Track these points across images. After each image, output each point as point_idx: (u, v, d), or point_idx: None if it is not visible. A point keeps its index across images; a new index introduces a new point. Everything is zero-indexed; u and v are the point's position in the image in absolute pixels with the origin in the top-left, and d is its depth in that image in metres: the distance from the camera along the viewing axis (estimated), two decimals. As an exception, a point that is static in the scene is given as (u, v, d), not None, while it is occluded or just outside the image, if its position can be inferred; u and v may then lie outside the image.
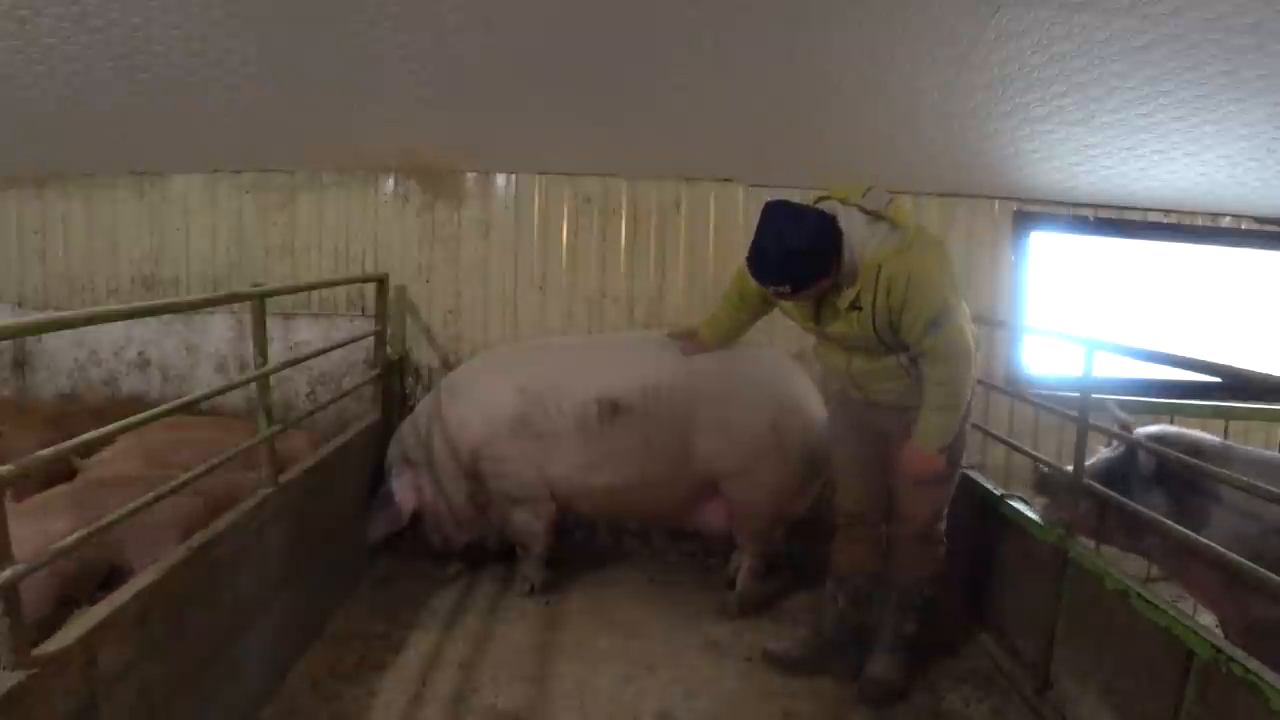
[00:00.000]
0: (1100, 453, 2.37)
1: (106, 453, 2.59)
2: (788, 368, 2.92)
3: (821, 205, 2.14)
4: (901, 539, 2.42)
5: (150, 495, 1.68)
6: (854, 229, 2.08)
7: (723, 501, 2.88)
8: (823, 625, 2.58)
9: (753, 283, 2.25)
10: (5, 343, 3.54)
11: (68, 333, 3.40)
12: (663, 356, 2.83)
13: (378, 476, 3.08)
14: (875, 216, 2.10)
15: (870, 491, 2.47)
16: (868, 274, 2.07)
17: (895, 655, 2.43)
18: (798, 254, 2.03)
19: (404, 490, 2.99)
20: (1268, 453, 2.55)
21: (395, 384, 3.46)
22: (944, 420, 2.17)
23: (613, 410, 2.78)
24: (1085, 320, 3.64)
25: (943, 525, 2.42)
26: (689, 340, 2.83)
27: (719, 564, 3.22)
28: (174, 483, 1.78)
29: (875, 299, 2.07)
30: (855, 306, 2.11)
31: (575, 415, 2.81)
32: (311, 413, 2.82)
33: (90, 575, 2.01)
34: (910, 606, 2.43)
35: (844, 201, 2.12)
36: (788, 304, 2.29)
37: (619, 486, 2.83)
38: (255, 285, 2.32)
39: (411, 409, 3.56)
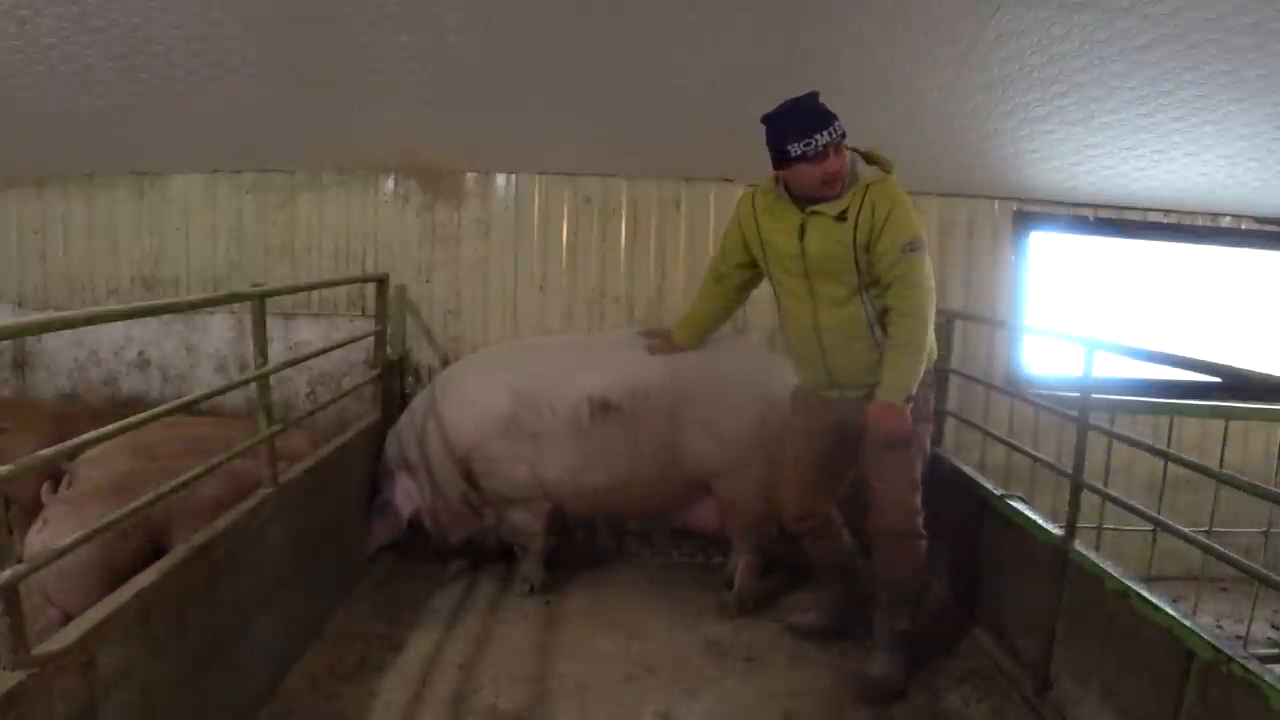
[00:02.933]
0: None
1: (95, 451, 2.58)
2: (775, 365, 2.92)
3: None
4: (879, 538, 2.44)
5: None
6: (850, 158, 2.26)
7: (714, 500, 2.89)
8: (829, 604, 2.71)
9: (730, 260, 2.53)
10: (5, 343, 3.54)
11: (68, 333, 3.40)
12: (651, 355, 2.84)
13: (378, 476, 3.08)
14: (867, 159, 2.30)
15: (819, 498, 2.56)
16: (857, 191, 2.23)
17: (893, 654, 2.43)
18: (818, 109, 2.19)
19: (401, 497, 2.99)
20: None
21: (395, 384, 3.46)
22: (909, 362, 2.22)
23: (604, 409, 2.79)
24: (1085, 320, 3.64)
25: (919, 519, 2.42)
26: (663, 341, 2.84)
27: (719, 564, 3.22)
28: (195, 471, 1.79)
29: (860, 213, 2.22)
30: (842, 218, 2.24)
31: (567, 415, 2.82)
32: (311, 413, 2.82)
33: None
34: (900, 603, 2.44)
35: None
36: (776, 235, 2.35)
37: (610, 485, 2.85)
38: (255, 285, 2.32)
39: (412, 409, 3.58)
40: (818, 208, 2.26)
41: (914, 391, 2.25)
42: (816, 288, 2.33)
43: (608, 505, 3.01)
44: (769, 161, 2.32)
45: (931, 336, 2.31)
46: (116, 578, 1.94)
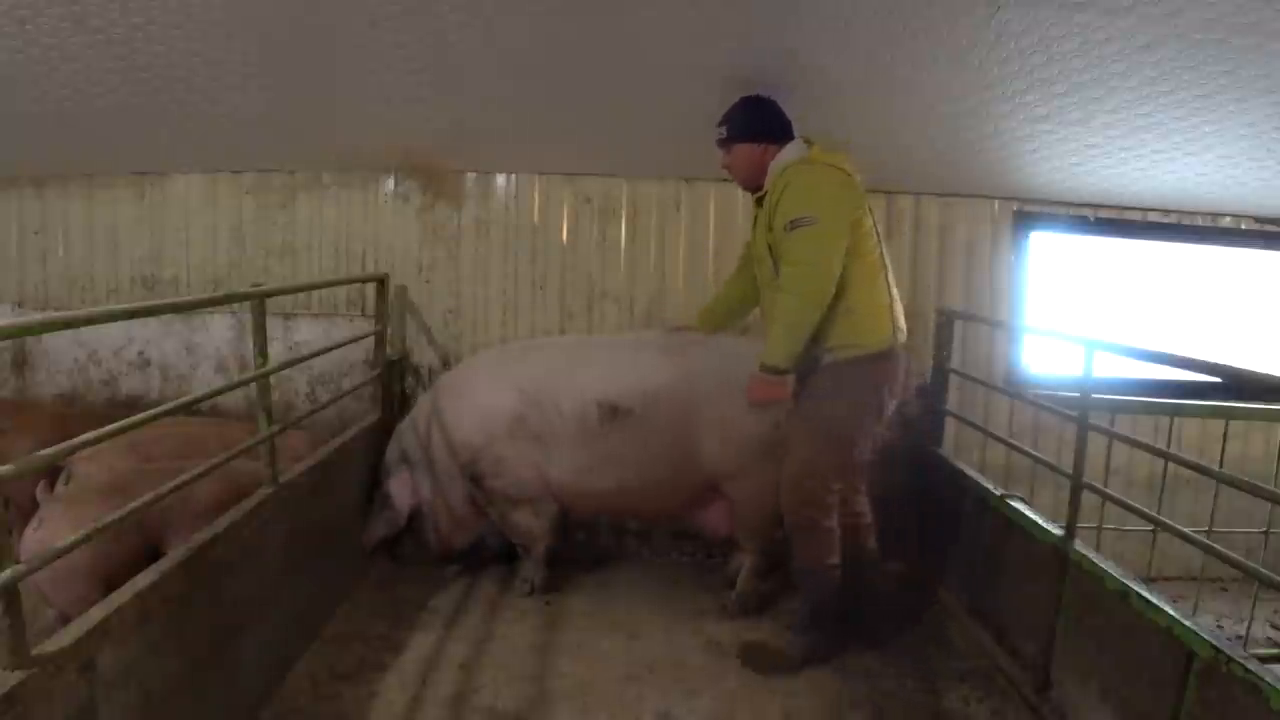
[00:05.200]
0: None
1: (91, 450, 2.58)
2: None
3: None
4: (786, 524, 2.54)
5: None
6: (790, 148, 2.45)
7: (724, 502, 2.88)
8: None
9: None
10: (5, 343, 3.54)
11: (68, 333, 3.40)
12: (661, 358, 2.83)
13: (378, 476, 3.07)
14: (809, 144, 2.46)
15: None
16: (773, 178, 2.42)
17: (795, 634, 2.55)
18: (744, 103, 2.49)
19: (401, 491, 2.96)
20: None
21: (395, 384, 3.46)
22: (782, 336, 2.31)
23: (613, 413, 2.78)
24: (1085, 320, 3.64)
25: (812, 510, 2.41)
26: (687, 330, 2.92)
27: (719, 564, 3.22)
28: (197, 470, 1.79)
29: (770, 197, 2.40)
30: (759, 204, 2.49)
31: (575, 417, 2.81)
32: (311, 413, 2.82)
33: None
34: (802, 587, 2.55)
35: (800, 138, 2.50)
36: (757, 236, 2.53)
37: (619, 489, 2.84)
38: (255, 285, 2.32)
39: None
40: (755, 196, 2.53)
41: (782, 366, 2.32)
42: (759, 272, 2.54)
43: (615, 507, 3.01)
44: (793, 145, 2.46)
45: (811, 313, 2.28)
46: (111, 578, 1.95)
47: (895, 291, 2.49)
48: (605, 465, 2.81)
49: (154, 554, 2.11)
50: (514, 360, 3.03)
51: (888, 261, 2.47)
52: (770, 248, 2.41)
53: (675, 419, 2.77)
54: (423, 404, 3.09)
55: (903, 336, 2.47)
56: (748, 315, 2.93)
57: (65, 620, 1.81)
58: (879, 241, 2.45)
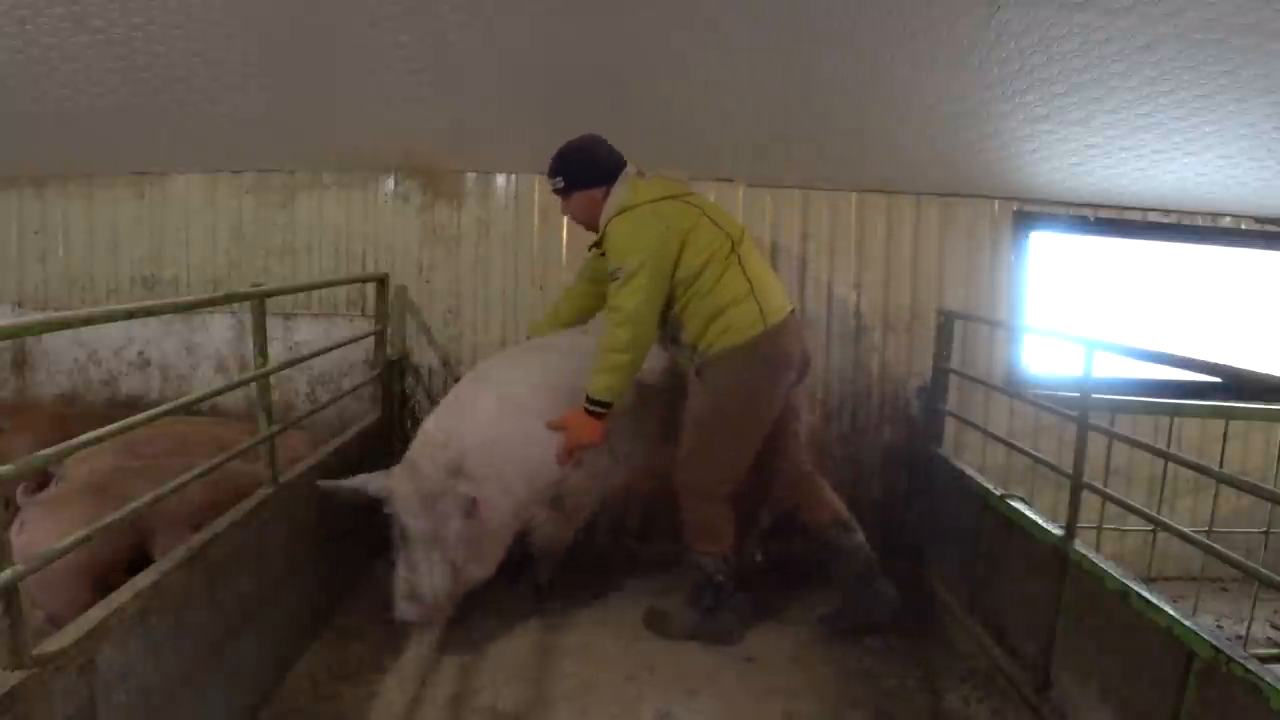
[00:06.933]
0: None
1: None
2: None
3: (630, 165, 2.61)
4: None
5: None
6: (618, 188, 2.53)
7: None
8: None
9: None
10: (5, 343, 3.54)
11: (68, 333, 3.40)
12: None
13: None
14: (635, 181, 2.54)
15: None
16: (604, 225, 2.52)
17: (686, 605, 2.70)
18: (574, 151, 2.56)
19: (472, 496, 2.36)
20: None
21: (395, 384, 3.46)
22: (604, 372, 2.44)
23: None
24: (1085, 320, 3.64)
25: (705, 503, 2.59)
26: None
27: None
28: (196, 471, 1.79)
29: (604, 246, 2.52)
30: (598, 247, 2.60)
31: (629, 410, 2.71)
32: (311, 413, 2.82)
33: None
34: (691, 566, 2.70)
35: (626, 172, 2.58)
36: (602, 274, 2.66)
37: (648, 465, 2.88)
38: (255, 285, 2.32)
39: (412, 409, 3.57)
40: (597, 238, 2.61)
41: (604, 399, 2.44)
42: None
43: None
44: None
45: (625, 357, 2.44)
46: (99, 577, 1.95)
47: (756, 270, 2.55)
48: (641, 443, 2.83)
49: (143, 553, 2.11)
50: (559, 366, 2.72)
51: (741, 248, 2.55)
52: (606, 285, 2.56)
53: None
54: (470, 415, 2.56)
55: (778, 314, 2.52)
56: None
57: (53, 621, 1.82)
58: (725, 235, 2.53)
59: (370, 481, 2.38)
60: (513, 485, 2.50)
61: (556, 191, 2.63)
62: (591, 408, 2.46)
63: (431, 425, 2.56)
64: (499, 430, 2.51)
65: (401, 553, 2.37)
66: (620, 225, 2.46)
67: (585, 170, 2.56)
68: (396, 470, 2.42)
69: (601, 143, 2.59)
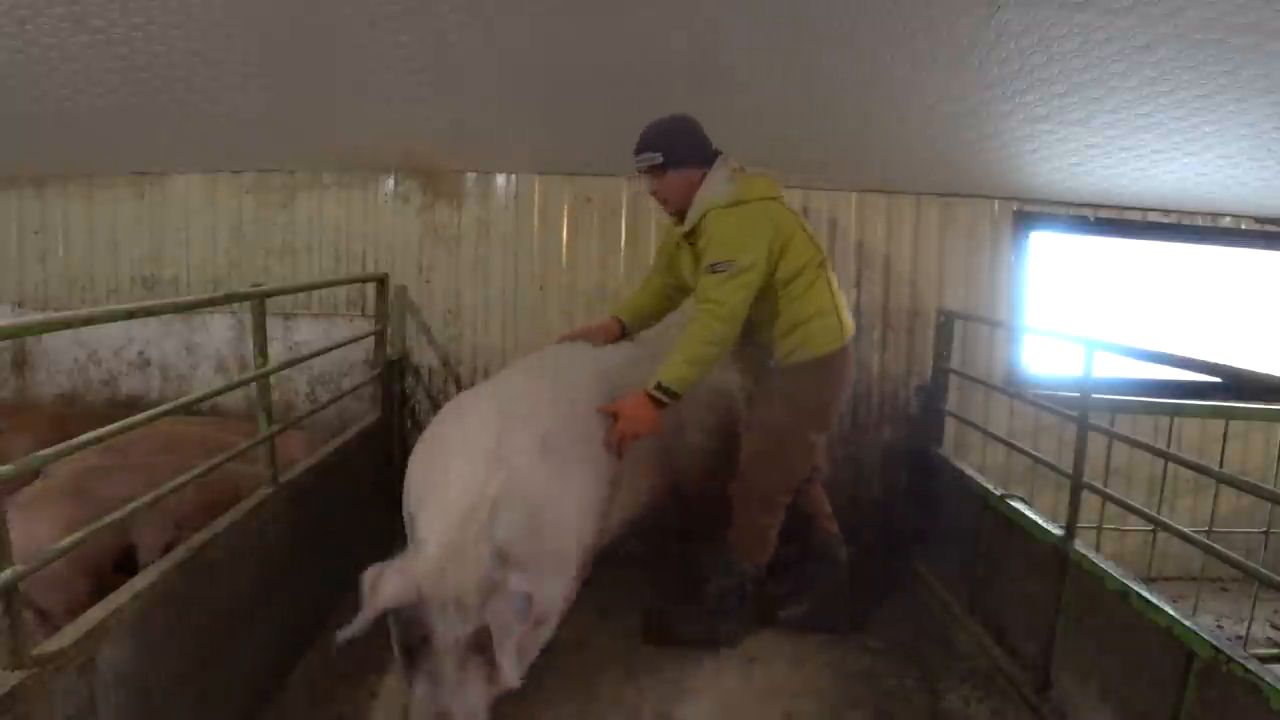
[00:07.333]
0: None
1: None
2: None
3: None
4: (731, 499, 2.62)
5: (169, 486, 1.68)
6: (716, 175, 2.41)
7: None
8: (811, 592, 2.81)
9: (658, 256, 2.76)
10: (5, 343, 3.54)
11: (68, 333, 3.40)
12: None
13: (378, 476, 3.06)
14: (737, 174, 2.42)
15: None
16: (700, 214, 2.39)
17: (706, 614, 2.64)
18: (677, 126, 2.40)
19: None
20: None
21: (395, 384, 3.46)
22: (682, 364, 2.28)
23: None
24: (1085, 320, 3.64)
25: (765, 517, 2.55)
26: (597, 332, 2.74)
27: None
28: (189, 475, 1.79)
29: (700, 241, 2.40)
30: (692, 242, 2.46)
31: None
32: (311, 413, 2.81)
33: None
34: (721, 573, 2.63)
35: (725, 159, 2.45)
36: (685, 262, 2.56)
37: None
38: (255, 285, 2.32)
39: (411, 409, 3.57)
40: (682, 228, 2.48)
41: (676, 390, 2.27)
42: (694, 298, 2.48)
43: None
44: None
45: (712, 351, 2.31)
46: (85, 576, 1.94)
47: (836, 286, 2.55)
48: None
49: (128, 550, 2.10)
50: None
51: (826, 263, 2.54)
52: (697, 272, 2.45)
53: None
54: (503, 478, 1.91)
55: (850, 331, 2.55)
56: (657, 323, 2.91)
57: (41, 617, 1.82)
58: (816, 246, 2.52)
59: (385, 588, 1.75)
60: (567, 565, 1.98)
61: (650, 169, 2.41)
62: (659, 395, 2.26)
63: (457, 484, 1.87)
64: (549, 491, 1.94)
65: (419, 666, 1.78)
66: (728, 218, 2.34)
67: (687, 149, 2.40)
68: (421, 561, 1.76)
69: (698, 124, 2.45)
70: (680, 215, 2.48)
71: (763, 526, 2.57)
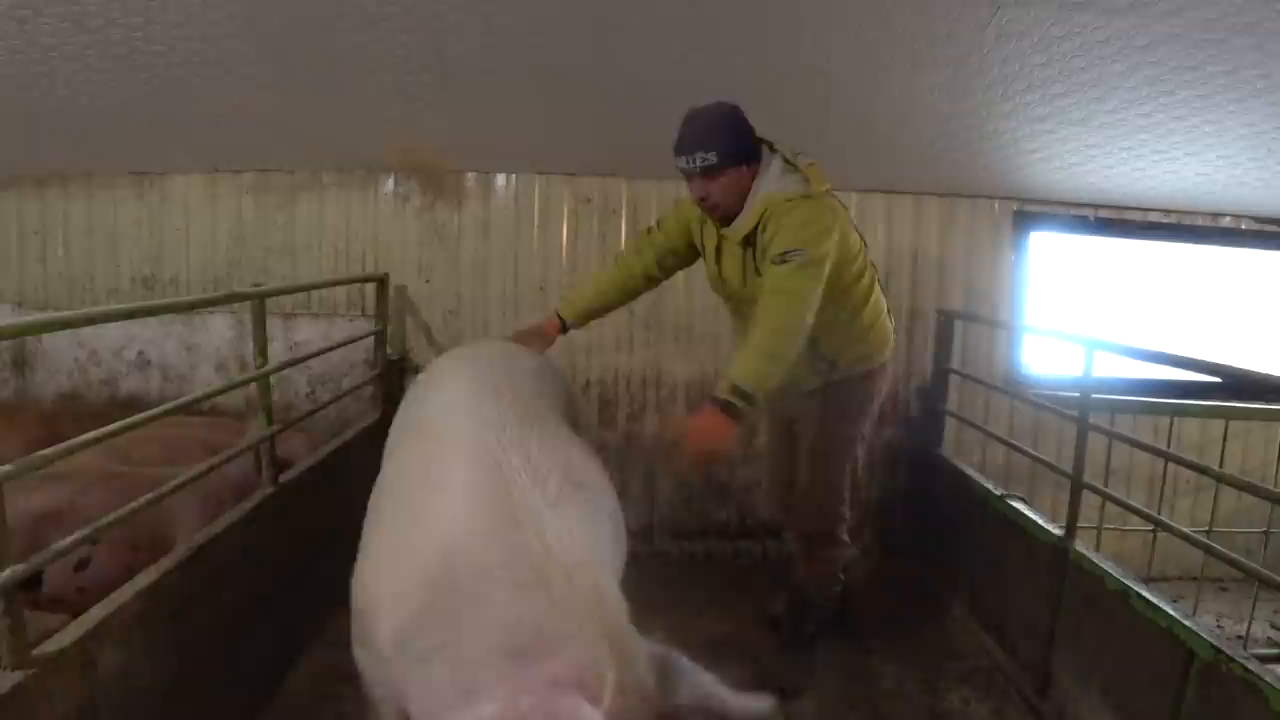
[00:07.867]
0: None
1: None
2: None
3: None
4: (798, 540, 2.49)
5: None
6: (771, 169, 2.11)
7: None
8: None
9: (667, 237, 2.36)
10: (5, 343, 3.54)
11: (68, 333, 3.40)
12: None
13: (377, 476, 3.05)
14: (792, 168, 2.13)
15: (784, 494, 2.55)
16: (760, 212, 2.08)
17: (797, 655, 2.48)
18: (728, 121, 2.07)
19: None
20: None
21: (395, 384, 3.46)
22: (764, 364, 1.95)
23: None
24: (1085, 320, 3.64)
25: (841, 527, 2.40)
26: (535, 337, 2.37)
27: (719, 562, 3.22)
28: (192, 474, 1.79)
29: (759, 237, 2.09)
30: (749, 243, 2.13)
31: None
32: (311, 413, 2.81)
33: None
34: (810, 605, 2.49)
35: (772, 148, 2.16)
36: (705, 245, 2.28)
37: None
38: (255, 285, 2.32)
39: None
40: (726, 231, 2.15)
41: (756, 397, 1.93)
42: (741, 309, 2.24)
43: None
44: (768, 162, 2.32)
45: (788, 347, 2.00)
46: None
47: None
48: None
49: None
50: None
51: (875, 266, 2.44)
52: (750, 285, 2.17)
53: None
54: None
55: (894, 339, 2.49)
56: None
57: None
58: (864, 246, 2.34)
59: None
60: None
61: (703, 170, 2.06)
62: (734, 400, 1.90)
63: (560, 578, 1.21)
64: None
65: None
66: (800, 210, 2.04)
67: (743, 144, 2.09)
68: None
69: (744, 114, 2.14)
70: (728, 220, 2.15)
71: (838, 560, 2.44)
